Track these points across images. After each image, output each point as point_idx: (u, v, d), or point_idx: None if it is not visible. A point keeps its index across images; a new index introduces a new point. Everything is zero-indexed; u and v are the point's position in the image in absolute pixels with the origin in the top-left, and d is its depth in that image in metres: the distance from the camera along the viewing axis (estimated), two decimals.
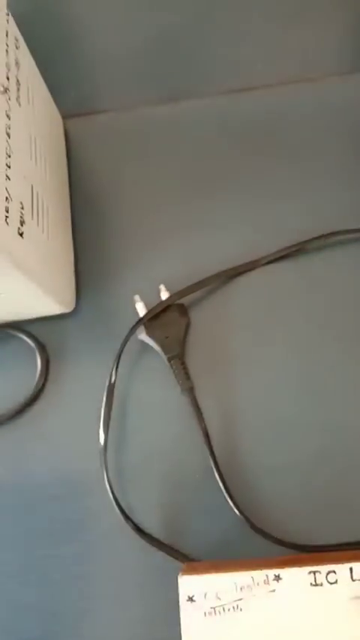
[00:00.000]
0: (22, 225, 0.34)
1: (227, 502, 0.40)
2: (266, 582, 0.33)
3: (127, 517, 0.40)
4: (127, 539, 0.40)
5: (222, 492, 0.40)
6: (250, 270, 0.45)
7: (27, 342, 0.45)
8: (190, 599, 0.33)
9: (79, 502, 0.41)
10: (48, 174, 0.43)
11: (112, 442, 0.42)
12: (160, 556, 0.40)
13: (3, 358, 0.45)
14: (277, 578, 0.33)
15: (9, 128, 0.35)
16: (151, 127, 0.51)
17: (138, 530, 0.40)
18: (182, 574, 0.34)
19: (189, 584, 0.34)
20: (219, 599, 0.33)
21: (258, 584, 0.33)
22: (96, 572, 0.40)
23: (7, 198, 0.32)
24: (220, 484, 0.40)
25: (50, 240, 0.41)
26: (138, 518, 0.40)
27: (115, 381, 0.42)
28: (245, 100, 0.51)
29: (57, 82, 0.49)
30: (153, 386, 0.44)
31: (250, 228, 0.46)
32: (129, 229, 0.48)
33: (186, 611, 0.33)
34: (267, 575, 0.33)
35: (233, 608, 0.33)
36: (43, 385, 0.44)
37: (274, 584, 0.33)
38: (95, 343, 0.45)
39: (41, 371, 0.44)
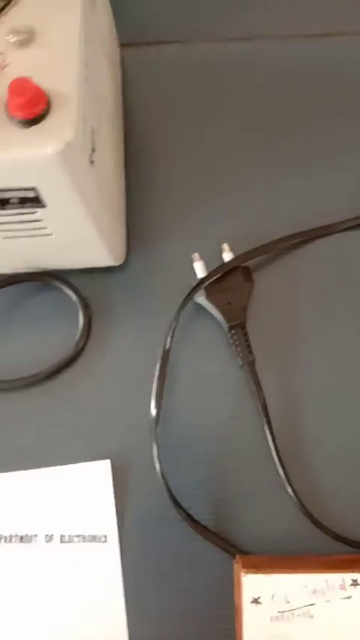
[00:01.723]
0: (93, 151, 0.29)
1: (285, 490, 0.36)
2: (342, 587, 0.29)
3: (177, 503, 0.35)
4: (172, 525, 0.36)
5: (279, 479, 0.36)
6: (324, 235, 0.40)
7: (69, 296, 0.40)
8: (256, 600, 0.29)
9: (117, 477, 0.37)
10: (112, 100, 0.37)
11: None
12: (205, 546, 0.35)
13: (42, 311, 0.40)
14: (355, 583, 0.29)
15: (87, 32, 0.29)
16: (219, 65, 0.45)
17: (188, 516, 0.35)
18: (245, 572, 0.30)
19: (254, 584, 0.30)
20: (288, 602, 0.29)
21: (332, 588, 0.29)
22: (135, 559, 0.36)
23: (84, 116, 0.27)
24: (280, 470, 0.36)
25: (111, 178, 0.35)
26: (185, 503, 0.36)
27: (170, 348, 0.37)
28: (324, 47, 0.45)
29: (117, 8, 0.43)
30: (208, 356, 0.39)
31: (326, 191, 0.41)
32: (188, 179, 0.42)
33: (250, 613, 0.29)
34: (343, 579, 0.29)
35: (303, 613, 0.29)
36: (84, 345, 0.39)
37: (350, 590, 0.29)
38: (143, 303, 0.40)
39: (83, 329, 0.39)
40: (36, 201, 0.30)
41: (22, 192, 0.29)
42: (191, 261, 0.40)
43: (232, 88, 0.44)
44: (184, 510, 0.35)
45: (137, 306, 0.40)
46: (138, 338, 0.39)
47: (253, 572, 0.30)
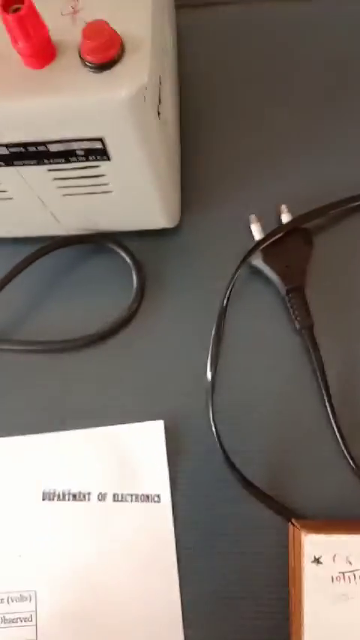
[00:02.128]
0: (159, 102, 0.29)
1: (342, 456, 0.35)
2: None
3: (232, 465, 0.35)
4: (225, 488, 0.36)
5: (336, 445, 0.35)
6: None
7: (123, 259, 0.39)
8: (317, 560, 0.29)
9: (170, 438, 0.37)
10: (172, 59, 0.36)
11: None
12: (260, 509, 0.35)
13: (95, 274, 0.40)
14: None
15: None
16: (278, 26, 0.44)
17: (242, 478, 0.35)
18: (306, 532, 0.30)
19: (315, 544, 0.29)
20: (350, 563, 0.29)
21: None
22: (188, 520, 0.36)
23: (155, 66, 0.26)
24: (337, 435, 0.35)
25: (172, 136, 0.35)
26: (239, 466, 0.36)
27: (226, 311, 0.37)
28: None
29: None
30: (264, 320, 0.38)
31: None
32: (243, 140, 0.42)
33: (310, 573, 0.29)
34: None
35: None
36: (138, 307, 0.39)
37: None
38: (197, 267, 0.40)
39: (137, 292, 0.39)
40: (101, 154, 0.29)
41: (89, 142, 0.28)
42: (247, 224, 0.39)
43: (290, 48, 0.43)
44: (238, 472, 0.35)
45: (191, 269, 0.40)
46: (191, 301, 0.39)
47: (314, 532, 0.29)
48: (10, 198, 0.34)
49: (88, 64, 0.25)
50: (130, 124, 0.27)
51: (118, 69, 0.25)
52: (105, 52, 0.24)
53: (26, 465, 0.37)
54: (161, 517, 0.36)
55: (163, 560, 0.35)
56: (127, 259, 0.39)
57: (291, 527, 0.34)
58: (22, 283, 0.39)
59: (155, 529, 0.35)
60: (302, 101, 0.42)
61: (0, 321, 0.39)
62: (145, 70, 0.25)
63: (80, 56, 0.25)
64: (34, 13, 0.23)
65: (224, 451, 0.35)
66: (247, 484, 0.35)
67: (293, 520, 0.34)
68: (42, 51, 0.25)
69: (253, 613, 0.34)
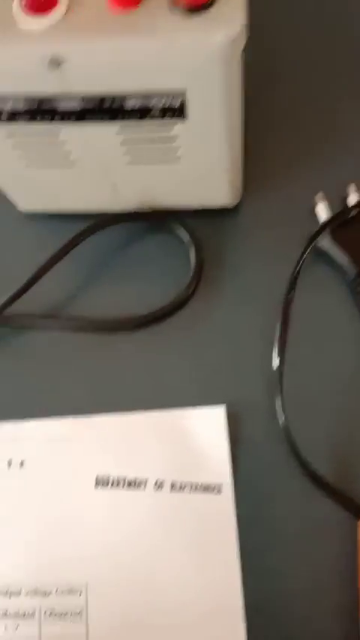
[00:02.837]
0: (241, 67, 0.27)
1: None
2: None
3: (300, 458, 0.33)
4: (290, 481, 0.33)
5: None
6: None
7: (180, 238, 0.38)
8: None
9: (232, 426, 0.34)
10: None
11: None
12: (326, 504, 0.33)
13: (151, 253, 0.38)
14: None
15: None
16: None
17: (311, 472, 0.33)
18: None
19: None
20: None
21: None
22: (251, 513, 0.33)
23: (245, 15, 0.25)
24: None
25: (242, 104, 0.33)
26: (304, 459, 0.33)
27: (293, 295, 0.35)
28: None
29: None
30: (329, 305, 0.36)
31: None
32: (306, 120, 0.40)
33: None
34: None
35: None
36: (195, 288, 0.37)
37: None
38: (258, 248, 0.38)
39: (195, 271, 0.37)
40: (178, 113, 0.28)
41: (170, 98, 0.27)
42: (310, 207, 0.37)
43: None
44: (306, 464, 0.33)
45: (250, 251, 0.38)
46: (252, 284, 0.37)
47: None
48: (73, 163, 0.32)
49: (179, 6, 0.23)
50: (219, 74, 0.25)
51: (212, 13, 0.23)
52: None
53: (79, 448, 0.35)
54: (222, 510, 0.33)
55: (224, 557, 0.33)
56: (186, 237, 0.37)
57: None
58: (75, 260, 0.37)
59: (215, 522, 0.33)
60: None
61: (52, 298, 0.38)
62: (241, 15, 0.23)
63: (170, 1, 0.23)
64: None
65: (292, 443, 0.33)
66: (315, 477, 0.33)
67: None
68: None
69: (320, 615, 0.32)
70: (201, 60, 0.24)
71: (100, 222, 0.37)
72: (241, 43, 0.24)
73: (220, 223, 0.38)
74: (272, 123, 0.40)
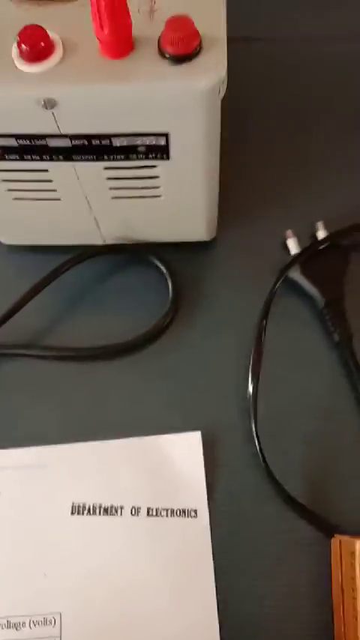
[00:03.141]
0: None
1: None
2: None
3: (274, 480, 0.34)
4: (265, 503, 0.34)
5: None
6: None
7: (158, 269, 0.39)
8: None
9: (208, 451, 0.35)
10: None
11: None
12: (300, 524, 0.34)
13: (130, 284, 0.40)
14: None
15: None
16: (309, 59, 0.46)
17: (284, 493, 0.34)
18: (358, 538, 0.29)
19: None
20: None
21: None
22: (226, 536, 0.34)
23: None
24: None
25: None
26: (279, 480, 0.35)
27: (266, 325, 0.37)
28: None
29: None
30: (301, 333, 0.38)
31: None
32: (277, 160, 0.43)
33: None
34: None
35: None
36: (173, 317, 0.39)
37: None
38: (232, 280, 0.40)
39: (172, 302, 0.39)
40: (162, 152, 0.30)
41: (154, 138, 0.29)
42: (281, 241, 0.40)
43: (323, 75, 0.45)
44: (280, 486, 0.34)
45: (225, 282, 0.40)
46: (226, 313, 0.39)
47: None
48: (58, 199, 0.34)
49: (167, 55, 0.26)
50: (201, 117, 0.27)
51: (196, 62, 0.26)
52: (187, 45, 0.25)
53: (55, 476, 0.35)
54: (198, 533, 0.34)
55: (200, 579, 0.33)
56: (163, 269, 0.39)
57: (335, 542, 0.33)
58: (56, 290, 0.38)
59: (192, 546, 0.34)
60: (336, 122, 0.44)
61: (33, 327, 0.38)
62: (223, 64, 0.26)
63: (160, 47, 0.26)
64: (123, 0, 0.24)
65: (266, 465, 0.34)
66: (288, 499, 0.34)
67: (336, 536, 0.33)
68: (124, 40, 0.25)
69: (295, 636, 0.32)
70: (185, 104, 0.26)
71: (81, 254, 0.38)
72: (222, 90, 0.26)
73: (197, 256, 0.40)
74: (246, 161, 0.43)
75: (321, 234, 0.39)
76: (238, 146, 0.43)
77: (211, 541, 0.34)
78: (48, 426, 0.36)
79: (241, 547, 0.34)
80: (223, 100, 0.28)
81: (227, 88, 0.27)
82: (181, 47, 0.25)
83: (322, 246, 0.38)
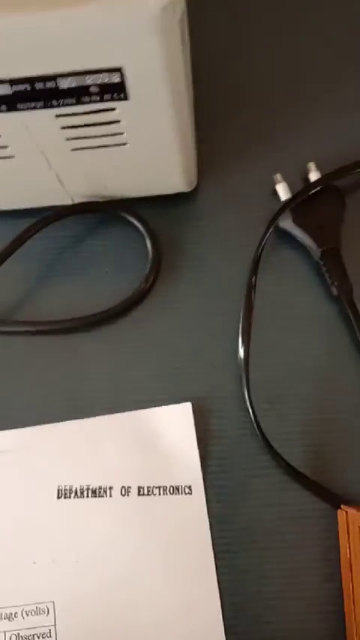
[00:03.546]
0: (183, 39, 0.25)
1: None
2: None
3: (272, 449, 0.31)
4: (264, 474, 0.32)
5: None
6: None
7: (135, 227, 0.36)
8: None
9: (200, 422, 0.33)
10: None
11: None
12: (304, 496, 0.31)
13: (105, 246, 0.36)
14: None
15: None
16: None
17: (284, 463, 0.31)
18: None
19: None
20: None
21: None
22: (224, 512, 0.32)
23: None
24: None
25: (190, 83, 0.31)
26: (278, 450, 0.32)
27: (256, 282, 0.33)
28: None
29: None
30: (296, 289, 0.35)
31: None
32: (263, 98, 0.38)
33: None
34: None
35: None
36: (154, 281, 0.35)
37: None
38: (218, 234, 0.36)
39: (152, 263, 0.35)
40: (119, 91, 0.26)
41: (107, 75, 0.25)
42: (269, 188, 0.36)
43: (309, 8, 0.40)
44: (279, 456, 0.31)
45: (211, 237, 0.36)
46: (214, 272, 0.35)
47: None
48: (12, 157, 0.30)
49: None
50: (156, 44, 0.23)
51: None
52: None
53: (37, 460, 0.33)
54: (194, 511, 0.32)
55: (199, 560, 0.31)
56: (140, 227, 0.35)
57: (341, 513, 0.30)
58: (24, 258, 0.35)
59: (188, 525, 0.31)
60: (328, 56, 0.39)
61: (1, 300, 0.35)
62: None
63: None
64: None
65: (262, 433, 0.32)
66: (289, 469, 0.31)
67: (343, 506, 0.30)
68: None
69: (303, 614, 0.30)
70: (135, 30, 0.22)
71: (46, 217, 0.34)
72: (178, 9, 0.22)
73: (178, 210, 0.37)
74: (227, 101, 0.38)
75: (313, 176, 0.35)
76: (217, 82, 0.38)
77: (209, 518, 0.31)
78: (26, 407, 0.34)
79: (240, 523, 0.31)
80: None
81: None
82: None
83: (315, 189, 0.34)
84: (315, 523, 0.31)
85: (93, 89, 0.25)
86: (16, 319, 0.35)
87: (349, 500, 0.31)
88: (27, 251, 0.35)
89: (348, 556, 0.29)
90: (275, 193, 0.36)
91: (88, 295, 0.35)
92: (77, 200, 0.35)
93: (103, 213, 0.36)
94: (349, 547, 0.29)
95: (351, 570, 0.29)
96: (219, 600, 0.30)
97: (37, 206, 0.35)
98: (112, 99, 0.26)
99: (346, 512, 0.29)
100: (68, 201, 0.35)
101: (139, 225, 0.36)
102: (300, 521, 0.31)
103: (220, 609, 0.30)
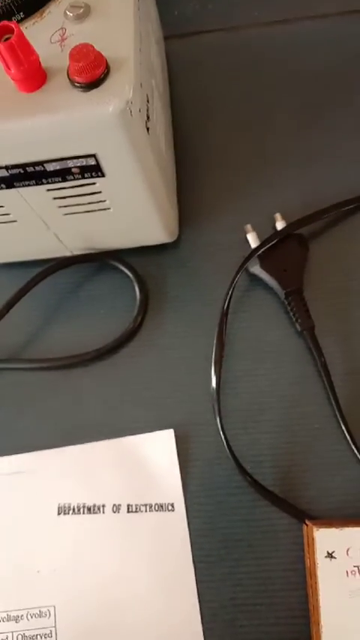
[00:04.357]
0: (148, 119, 0.30)
1: (351, 454, 0.35)
2: None
3: (243, 470, 0.35)
4: (238, 493, 0.36)
5: (345, 443, 0.35)
6: None
7: (126, 274, 0.41)
8: (330, 555, 0.29)
9: (181, 447, 0.37)
10: (161, 83, 0.38)
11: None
12: (273, 512, 0.35)
13: (100, 291, 0.41)
14: None
15: (139, 10, 0.30)
16: (260, 48, 0.46)
17: (254, 482, 0.35)
18: (317, 527, 0.30)
19: (327, 538, 0.29)
20: None
21: None
22: (203, 527, 0.36)
23: (140, 81, 0.28)
24: (345, 432, 0.35)
25: (164, 153, 0.36)
26: (250, 470, 0.36)
27: (227, 317, 0.38)
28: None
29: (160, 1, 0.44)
30: (265, 325, 0.39)
31: None
32: (235, 157, 0.43)
33: (325, 568, 0.29)
34: None
35: None
36: (142, 320, 0.40)
37: None
38: (198, 278, 0.41)
39: (140, 305, 0.40)
40: (96, 170, 0.31)
41: (84, 159, 0.30)
42: (244, 235, 0.40)
43: (273, 67, 0.45)
44: (250, 476, 0.35)
45: (191, 280, 0.41)
46: (194, 311, 0.40)
47: (326, 527, 0.29)
48: (14, 221, 0.36)
49: (76, 84, 0.27)
50: (120, 138, 0.28)
51: (105, 86, 0.27)
52: (92, 72, 0.26)
53: (40, 480, 0.37)
54: (176, 526, 0.36)
55: (180, 569, 0.35)
56: (130, 274, 0.41)
57: (305, 527, 0.34)
58: (29, 304, 0.40)
59: (171, 538, 0.36)
60: (289, 116, 0.44)
61: (9, 341, 0.41)
62: (129, 86, 0.27)
63: (69, 78, 0.27)
64: (23, 40, 0.25)
65: (234, 456, 0.36)
66: (260, 488, 0.35)
67: (307, 520, 0.34)
68: (33, 75, 0.27)
69: (273, 619, 0.34)
70: (99, 128, 0.27)
71: (47, 268, 0.40)
72: (134, 109, 0.27)
73: (162, 258, 0.42)
74: (204, 160, 0.43)
75: (280, 225, 0.39)
76: (194, 143, 0.44)
77: (189, 532, 0.35)
78: (32, 434, 0.38)
79: (217, 536, 0.35)
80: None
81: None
82: (86, 76, 0.26)
83: (278, 238, 0.38)
84: (283, 536, 0.35)
85: (74, 170, 0.31)
86: (23, 357, 0.40)
87: (313, 515, 0.35)
88: (32, 297, 0.40)
89: (309, 566, 0.32)
90: (247, 241, 0.40)
91: (85, 334, 0.40)
92: (75, 252, 0.41)
93: (98, 262, 0.41)
94: (309, 558, 0.32)
95: (311, 580, 0.32)
96: (198, 605, 0.34)
97: (42, 257, 0.41)
98: (92, 176, 0.31)
99: (308, 526, 0.33)
100: (67, 253, 0.41)
101: (128, 272, 0.41)
102: (270, 535, 0.35)
103: (199, 613, 0.34)
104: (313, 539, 0.30)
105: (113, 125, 0.27)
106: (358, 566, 0.29)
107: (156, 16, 0.42)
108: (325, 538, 0.29)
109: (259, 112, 0.44)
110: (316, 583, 0.30)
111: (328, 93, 0.44)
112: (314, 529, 0.30)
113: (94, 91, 0.27)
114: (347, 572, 0.29)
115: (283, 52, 0.46)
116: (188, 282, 0.41)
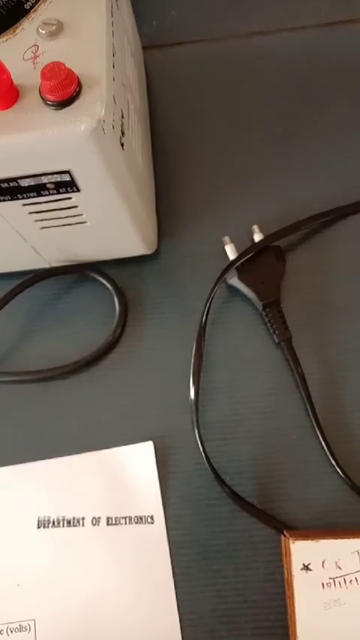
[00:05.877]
0: (122, 135, 0.30)
1: (329, 464, 0.35)
2: None
3: (222, 481, 0.36)
4: (217, 504, 0.36)
5: (322, 454, 0.36)
6: (355, 212, 0.40)
7: (105, 286, 0.41)
8: (306, 567, 0.29)
9: (160, 459, 0.37)
10: (138, 96, 0.39)
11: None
12: (252, 523, 0.35)
13: (79, 303, 0.41)
14: None
15: (112, 25, 0.30)
16: (237, 60, 0.46)
17: (233, 493, 0.35)
18: (294, 540, 0.30)
19: (303, 550, 0.30)
20: (339, 568, 0.29)
21: None
22: (182, 538, 0.36)
23: (114, 97, 0.28)
24: (323, 443, 0.36)
25: (141, 167, 0.37)
26: (229, 481, 0.36)
27: (205, 329, 0.38)
28: (343, 33, 0.46)
29: (138, 11, 0.44)
30: (243, 337, 0.39)
31: (356, 168, 0.41)
32: (214, 169, 0.44)
33: (301, 580, 0.29)
34: None
35: (356, 579, 0.29)
36: (122, 332, 0.40)
37: None
38: (177, 290, 0.41)
39: (119, 317, 0.40)
40: (71, 186, 0.31)
41: (58, 175, 0.30)
42: (222, 247, 0.41)
43: (248, 80, 0.45)
44: (229, 488, 0.35)
45: (170, 292, 0.41)
46: (173, 323, 0.40)
47: (302, 539, 0.29)
48: None
49: (48, 102, 0.27)
50: (93, 155, 0.28)
51: (77, 104, 0.27)
52: (63, 90, 0.26)
53: (20, 494, 0.37)
54: (156, 538, 0.36)
55: (160, 581, 0.35)
56: (109, 286, 0.41)
57: (283, 538, 0.34)
58: (7, 316, 0.40)
59: (150, 550, 0.36)
60: (267, 127, 0.44)
61: None
62: (101, 104, 0.27)
63: (41, 96, 0.27)
64: None
65: (213, 468, 0.36)
66: (238, 499, 0.35)
67: (285, 531, 0.34)
68: (5, 94, 0.27)
69: (252, 629, 0.34)
70: (72, 146, 0.27)
71: (25, 281, 0.40)
72: (107, 127, 0.27)
73: (142, 269, 0.42)
74: (183, 171, 0.44)
75: (257, 237, 0.40)
76: (172, 159, 0.44)
77: (169, 544, 0.36)
78: (11, 447, 0.38)
79: (197, 548, 0.36)
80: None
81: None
82: (58, 94, 0.26)
83: (255, 250, 0.38)
84: (262, 547, 0.35)
85: (49, 185, 0.31)
86: (1, 370, 0.40)
87: (291, 526, 0.35)
88: (11, 309, 0.40)
89: (287, 577, 0.33)
90: (226, 253, 0.40)
91: (64, 346, 0.40)
92: (54, 264, 0.41)
93: (76, 274, 0.41)
94: (287, 570, 0.33)
95: (289, 590, 0.32)
96: (178, 617, 0.34)
97: (20, 269, 0.41)
98: (67, 191, 0.31)
99: (285, 538, 0.33)
100: (46, 265, 0.41)
101: (107, 284, 0.41)
102: (249, 546, 0.35)
103: (179, 625, 0.34)
104: (289, 551, 0.30)
105: (86, 143, 0.27)
106: (333, 579, 0.29)
107: (133, 27, 0.42)
108: (301, 550, 0.30)
109: (238, 123, 0.44)
110: (292, 594, 0.30)
111: (306, 104, 0.44)
112: (290, 541, 0.30)
113: (66, 109, 0.27)
114: (323, 584, 0.29)
115: (261, 63, 0.46)
116: (167, 293, 0.41)
